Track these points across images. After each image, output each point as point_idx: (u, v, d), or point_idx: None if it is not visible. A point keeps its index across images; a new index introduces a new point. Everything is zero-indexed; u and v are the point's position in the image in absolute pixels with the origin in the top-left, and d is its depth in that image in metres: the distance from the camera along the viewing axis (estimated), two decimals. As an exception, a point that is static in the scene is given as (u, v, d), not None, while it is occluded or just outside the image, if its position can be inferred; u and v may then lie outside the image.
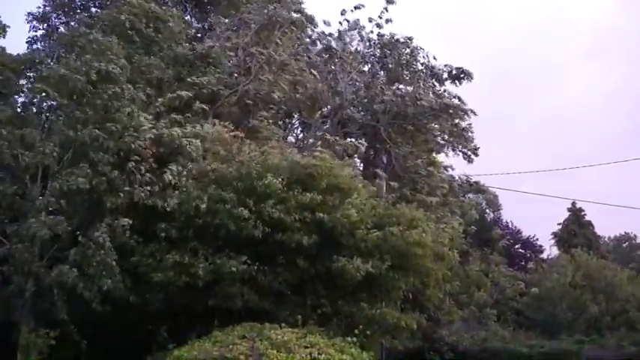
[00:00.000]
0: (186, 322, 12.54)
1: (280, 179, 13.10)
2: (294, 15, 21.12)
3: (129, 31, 17.10)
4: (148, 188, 12.99)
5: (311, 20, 23.21)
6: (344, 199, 13.64)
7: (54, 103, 14.13)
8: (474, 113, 23.82)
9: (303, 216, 12.95)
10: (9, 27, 16.07)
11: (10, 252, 12.73)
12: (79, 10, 24.47)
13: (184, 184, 13.29)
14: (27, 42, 23.31)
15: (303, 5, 22.85)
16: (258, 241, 12.71)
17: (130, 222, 12.60)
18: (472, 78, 24.73)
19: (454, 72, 24.57)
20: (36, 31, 23.84)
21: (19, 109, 15.40)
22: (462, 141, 24.45)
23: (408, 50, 24.61)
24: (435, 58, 24.77)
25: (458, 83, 24.64)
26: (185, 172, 13.55)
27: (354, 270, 12.61)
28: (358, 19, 24.05)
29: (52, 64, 15.65)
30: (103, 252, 12.18)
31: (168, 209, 12.84)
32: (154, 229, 12.96)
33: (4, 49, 16.10)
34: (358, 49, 24.80)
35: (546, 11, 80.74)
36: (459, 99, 23.87)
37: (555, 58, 76.70)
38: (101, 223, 12.52)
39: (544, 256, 45.32)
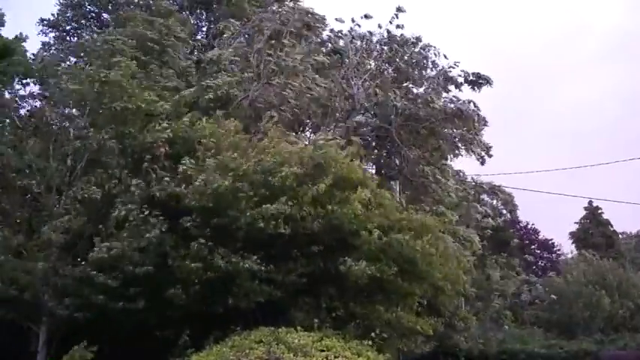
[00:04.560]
0: (204, 326, 12.55)
1: (295, 171, 12.91)
2: (306, 18, 21.09)
3: (147, 43, 17.32)
4: (166, 179, 13.08)
5: (322, 21, 23.10)
6: (351, 192, 13.36)
7: (64, 111, 14.25)
8: (486, 123, 23.43)
9: (315, 211, 12.78)
10: (4, 15, 16.45)
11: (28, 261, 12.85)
12: (90, 16, 24.82)
13: (204, 173, 13.21)
14: (40, 48, 23.82)
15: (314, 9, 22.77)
16: (273, 238, 12.63)
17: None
18: (491, 83, 24.11)
19: (471, 77, 24.07)
20: (46, 35, 24.33)
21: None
22: (475, 146, 24.11)
23: (417, 49, 24.40)
24: (446, 57, 24.41)
25: (477, 89, 24.09)
26: (202, 164, 13.55)
27: (360, 272, 12.39)
28: (369, 32, 23.94)
29: (63, 76, 15.72)
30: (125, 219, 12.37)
31: (187, 201, 12.85)
32: (171, 226, 13.01)
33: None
34: (369, 52, 24.68)
35: (561, 14, 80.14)
36: (474, 104, 23.50)
37: (569, 61, 76.15)
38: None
39: (562, 256, 45.08)
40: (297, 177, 12.95)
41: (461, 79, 23.94)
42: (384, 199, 14.42)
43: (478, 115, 23.15)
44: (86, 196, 12.80)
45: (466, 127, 23.21)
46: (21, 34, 19.54)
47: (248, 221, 12.47)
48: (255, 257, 12.34)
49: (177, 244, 12.84)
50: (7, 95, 17.35)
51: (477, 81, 23.89)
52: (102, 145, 13.25)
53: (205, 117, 15.61)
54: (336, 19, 23.50)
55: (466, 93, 24.19)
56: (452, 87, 24.20)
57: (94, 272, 12.31)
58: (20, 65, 17.92)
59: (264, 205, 12.47)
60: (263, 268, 12.34)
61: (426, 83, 24.33)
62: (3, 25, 18.22)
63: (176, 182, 13.27)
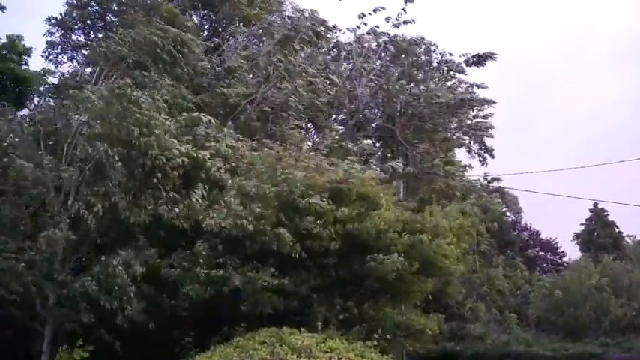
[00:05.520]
0: (209, 327, 12.57)
1: (323, 198, 13.27)
2: (318, 28, 21.06)
3: (158, 51, 17.29)
4: (176, 210, 12.79)
5: (332, 28, 22.99)
6: (371, 209, 13.87)
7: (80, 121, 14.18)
8: (493, 102, 23.45)
9: (336, 229, 13.20)
10: (35, 48, 16.98)
11: (32, 259, 12.85)
12: (96, 17, 24.97)
13: (226, 202, 13.19)
14: (45, 48, 24.09)
15: (322, 16, 22.55)
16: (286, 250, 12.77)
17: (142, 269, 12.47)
18: (494, 58, 23.94)
19: (472, 59, 23.97)
20: (52, 35, 24.50)
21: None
22: (480, 136, 24.10)
23: (422, 49, 24.35)
24: (450, 54, 24.38)
25: (481, 66, 24.00)
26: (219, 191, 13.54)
27: (392, 264, 12.79)
28: (377, 26, 23.83)
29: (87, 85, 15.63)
30: (121, 280, 12.09)
31: (207, 229, 12.69)
32: (178, 242, 13.02)
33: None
34: (373, 48, 24.60)
35: (573, 18, 79.83)
36: (478, 86, 23.53)
37: (579, 64, 75.78)
38: (119, 250, 12.41)
39: (566, 258, 44.97)
40: (323, 202, 13.24)
41: (462, 65, 24.00)
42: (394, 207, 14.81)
43: (481, 99, 23.26)
44: (91, 204, 12.72)
45: (473, 110, 23.30)
46: (43, 69, 21.02)
47: (262, 241, 12.66)
48: (273, 270, 12.47)
49: (180, 263, 12.78)
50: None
51: (480, 60, 23.86)
52: (109, 157, 13.13)
53: (220, 125, 15.64)
54: (348, 29, 23.51)
55: (470, 76, 24.33)
56: (456, 74, 24.27)
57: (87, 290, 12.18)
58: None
59: (277, 229, 12.64)
60: (277, 281, 12.44)
61: (428, 76, 24.32)
62: (29, 56, 19.04)
63: (186, 211, 13.00)
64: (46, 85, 20.67)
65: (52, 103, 18.47)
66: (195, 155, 13.58)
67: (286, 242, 12.55)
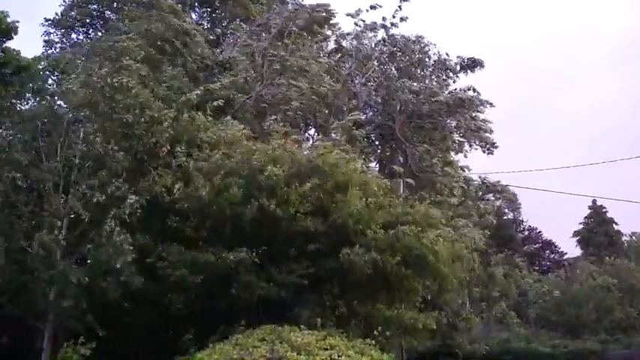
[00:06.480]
0: (208, 324, 12.58)
1: (282, 170, 12.93)
2: (315, 14, 20.98)
3: (158, 42, 17.32)
4: (161, 173, 12.99)
5: (331, 14, 22.88)
6: (352, 194, 13.38)
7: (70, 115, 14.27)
8: (491, 104, 23.61)
9: (304, 207, 12.82)
10: (18, 22, 16.67)
11: (31, 258, 12.90)
12: (95, 15, 24.99)
13: (193, 175, 13.19)
14: (43, 47, 24.10)
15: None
16: (270, 237, 12.66)
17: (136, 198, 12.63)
18: (483, 66, 24.55)
19: (466, 62, 24.42)
20: (50, 34, 24.53)
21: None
22: (480, 136, 24.15)
23: (418, 47, 24.43)
24: (447, 55, 24.53)
25: (470, 72, 24.49)
26: (192, 163, 13.54)
27: (359, 259, 12.42)
28: (375, 22, 23.84)
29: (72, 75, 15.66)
30: (111, 232, 12.23)
31: (176, 195, 12.78)
32: (169, 228, 13.00)
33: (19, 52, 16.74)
34: (373, 47, 24.61)
35: (573, 18, 79.89)
36: (474, 90, 23.66)
37: (579, 64, 75.90)
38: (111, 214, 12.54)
39: (566, 257, 45.05)
40: (283, 176, 12.93)
41: (457, 67, 24.23)
42: (385, 197, 14.39)
43: (479, 99, 23.39)
44: (89, 196, 12.79)
45: (472, 111, 23.38)
46: (43, 54, 20.59)
47: (232, 220, 12.51)
48: (246, 249, 12.28)
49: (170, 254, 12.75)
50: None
51: (471, 64, 24.24)
52: (108, 151, 13.19)
53: (209, 117, 15.55)
54: (347, 14, 23.48)
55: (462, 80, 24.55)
56: (451, 75, 24.43)
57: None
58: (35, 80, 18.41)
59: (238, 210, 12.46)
60: (255, 260, 12.30)
61: (427, 74, 24.42)
62: (16, 34, 18.70)
63: (174, 178, 13.18)
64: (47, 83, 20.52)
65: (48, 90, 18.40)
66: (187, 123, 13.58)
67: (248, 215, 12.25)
